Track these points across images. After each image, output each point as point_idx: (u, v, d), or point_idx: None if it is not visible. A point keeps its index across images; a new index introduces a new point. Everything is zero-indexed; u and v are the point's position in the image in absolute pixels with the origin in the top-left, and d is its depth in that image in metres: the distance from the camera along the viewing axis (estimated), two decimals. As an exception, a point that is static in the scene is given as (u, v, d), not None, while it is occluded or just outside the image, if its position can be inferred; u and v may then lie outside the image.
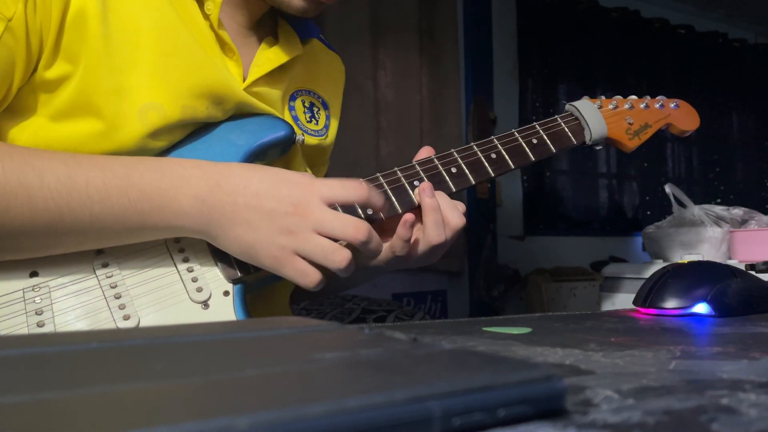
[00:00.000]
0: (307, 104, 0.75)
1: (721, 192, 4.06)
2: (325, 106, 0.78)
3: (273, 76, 0.69)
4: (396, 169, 0.65)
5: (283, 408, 0.17)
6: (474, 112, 3.03)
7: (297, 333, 0.31)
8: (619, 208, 3.68)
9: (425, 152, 0.68)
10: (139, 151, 0.59)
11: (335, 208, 0.58)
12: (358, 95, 2.64)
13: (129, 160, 0.56)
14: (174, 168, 0.55)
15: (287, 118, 0.72)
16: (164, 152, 0.62)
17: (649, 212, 3.70)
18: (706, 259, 1.26)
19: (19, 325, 0.52)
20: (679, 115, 0.81)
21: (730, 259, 1.25)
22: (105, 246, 0.57)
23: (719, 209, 1.34)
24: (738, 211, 1.33)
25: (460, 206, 0.64)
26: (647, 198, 3.74)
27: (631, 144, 0.77)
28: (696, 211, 1.35)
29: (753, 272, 0.82)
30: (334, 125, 0.79)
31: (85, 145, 0.57)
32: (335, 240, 0.56)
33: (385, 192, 0.63)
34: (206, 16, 0.63)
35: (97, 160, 0.54)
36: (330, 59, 0.82)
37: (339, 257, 0.55)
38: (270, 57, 0.68)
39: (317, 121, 0.76)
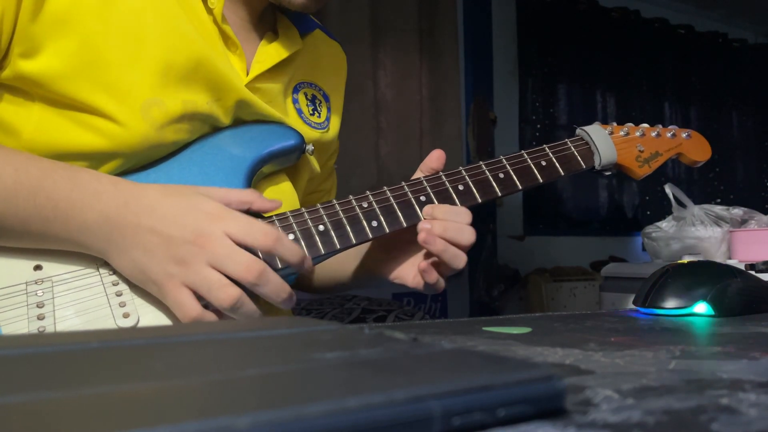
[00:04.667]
0: (309, 96, 0.75)
1: (721, 192, 4.06)
2: (326, 99, 0.78)
3: (274, 70, 0.69)
4: (403, 183, 0.65)
5: (283, 408, 0.17)
6: (474, 112, 3.03)
7: (297, 333, 0.31)
8: (619, 208, 3.68)
9: (436, 159, 0.67)
10: (146, 146, 0.59)
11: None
12: (358, 95, 2.64)
13: (48, 165, 0.55)
14: (89, 181, 0.54)
15: (290, 110, 0.72)
16: (178, 151, 0.62)
17: (649, 212, 3.70)
18: (706, 259, 1.26)
19: (20, 317, 0.53)
20: (691, 145, 0.81)
21: (730, 259, 1.25)
22: (12, 246, 0.56)
23: (719, 209, 1.34)
24: (738, 211, 1.33)
25: (463, 215, 0.63)
26: (647, 198, 3.74)
27: (641, 171, 0.76)
28: (696, 211, 1.35)
29: (753, 272, 0.82)
30: (336, 118, 0.79)
31: (91, 141, 0.58)
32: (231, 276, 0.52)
33: (391, 205, 0.63)
34: (209, 11, 0.64)
35: (17, 158, 0.54)
36: (331, 49, 0.82)
37: (223, 295, 0.52)
38: (270, 53, 0.69)
39: (319, 113, 0.76)
